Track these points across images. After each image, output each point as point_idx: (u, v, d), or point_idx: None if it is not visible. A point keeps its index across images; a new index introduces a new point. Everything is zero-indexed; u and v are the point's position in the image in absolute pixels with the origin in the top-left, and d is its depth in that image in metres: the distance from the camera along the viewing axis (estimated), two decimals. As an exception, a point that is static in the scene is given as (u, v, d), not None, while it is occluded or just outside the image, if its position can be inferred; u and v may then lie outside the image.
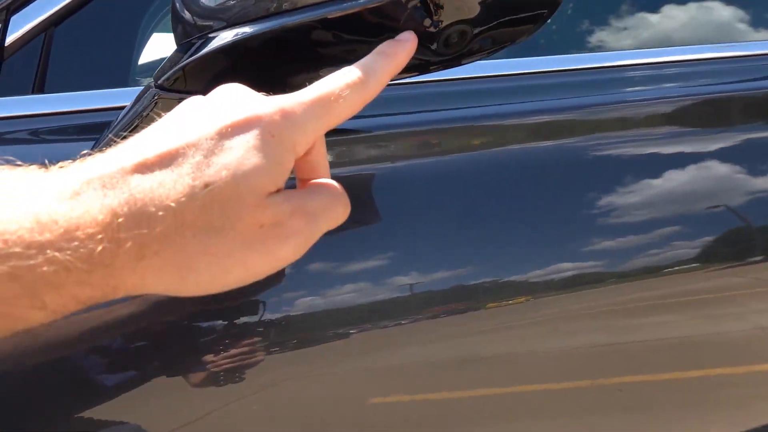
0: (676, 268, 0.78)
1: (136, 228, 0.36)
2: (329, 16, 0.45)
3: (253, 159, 0.38)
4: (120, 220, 0.36)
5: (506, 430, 0.75)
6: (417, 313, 0.69)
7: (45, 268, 0.35)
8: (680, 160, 0.80)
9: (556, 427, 0.77)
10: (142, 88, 0.61)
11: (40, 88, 0.69)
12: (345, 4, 0.45)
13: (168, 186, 0.37)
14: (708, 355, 0.82)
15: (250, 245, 0.38)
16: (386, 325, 0.68)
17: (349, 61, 0.49)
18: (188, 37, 0.56)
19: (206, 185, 0.37)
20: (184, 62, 0.55)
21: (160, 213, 0.36)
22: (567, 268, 0.73)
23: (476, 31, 0.45)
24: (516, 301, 0.72)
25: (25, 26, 0.69)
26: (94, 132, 0.67)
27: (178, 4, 0.57)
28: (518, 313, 0.72)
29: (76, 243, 0.35)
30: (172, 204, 0.36)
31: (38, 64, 0.69)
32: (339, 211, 0.43)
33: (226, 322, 0.63)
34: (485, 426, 0.73)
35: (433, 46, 0.45)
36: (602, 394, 0.78)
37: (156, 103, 0.57)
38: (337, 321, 0.67)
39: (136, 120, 0.59)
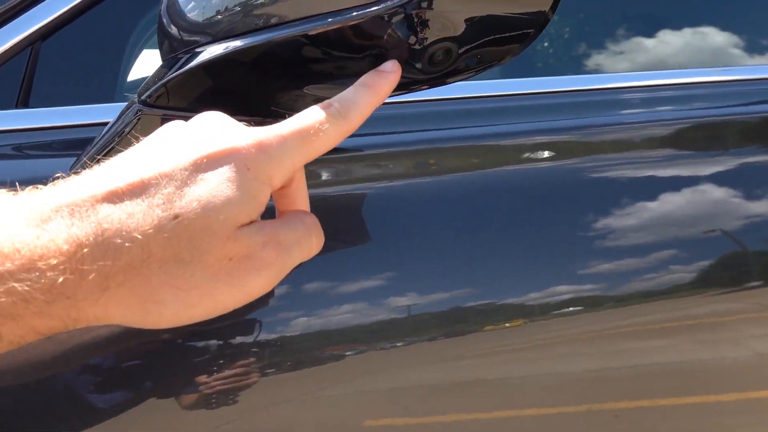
0: (673, 292, 0.77)
1: (101, 259, 0.35)
2: (310, 33, 0.44)
3: (227, 192, 0.38)
4: (85, 250, 0.35)
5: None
6: (413, 335, 0.69)
7: (3, 299, 0.34)
8: (677, 184, 0.79)
9: None
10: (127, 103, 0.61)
11: (24, 102, 0.68)
12: (328, 20, 0.44)
13: (137, 217, 0.36)
14: (705, 381, 0.81)
15: (219, 278, 0.38)
16: (383, 347, 0.68)
17: (337, 76, 0.48)
18: (174, 52, 0.55)
19: (176, 217, 0.37)
20: (168, 78, 0.54)
21: (127, 244, 0.36)
22: (563, 291, 0.73)
23: (462, 49, 0.45)
24: (513, 324, 0.71)
25: (11, 40, 0.68)
26: (78, 147, 0.66)
27: (165, 20, 0.56)
28: (515, 335, 0.71)
29: (36, 274, 0.34)
30: (139, 236, 0.36)
31: (23, 78, 0.68)
32: (312, 242, 0.42)
33: (220, 342, 0.62)
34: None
35: (418, 65, 0.44)
36: (598, 419, 0.77)
37: (138, 119, 0.57)
38: (333, 342, 0.66)
39: (116, 137, 0.58)
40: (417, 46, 0.43)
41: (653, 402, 0.79)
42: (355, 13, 0.43)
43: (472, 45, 0.44)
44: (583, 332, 0.74)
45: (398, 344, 0.68)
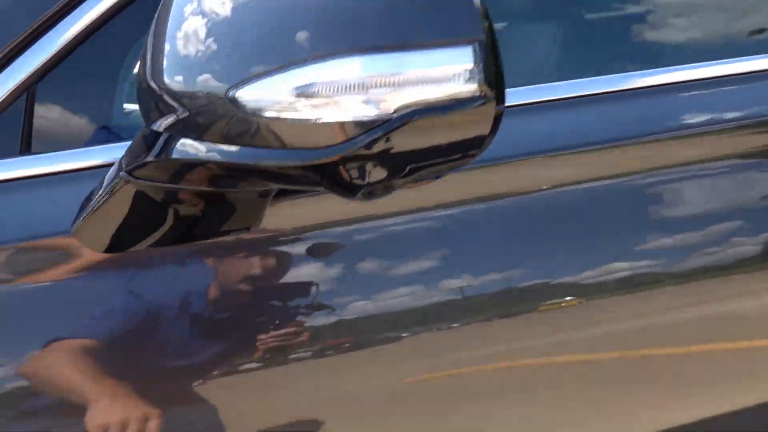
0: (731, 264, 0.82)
1: None
2: (283, 165, 0.47)
3: None
4: None
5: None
6: (469, 317, 0.73)
7: None
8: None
9: (594, 396, 0.81)
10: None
11: (27, 147, 0.71)
12: (293, 153, 0.47)
13: None
14: (742, 328, 0.85)
15: None
16: (439, 327, 0.72)
17: (302, 183, 0.52)
18: (152, 99, 0.57)
19: None
20: (145, 160, 0.58)
21: None
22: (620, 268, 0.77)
23: (401, 181, 0.47)
24: (568, 303, 0.76)
25: (8, 87, 0.70)
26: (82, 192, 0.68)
27: (148, 72, 0.57)
28: (570, 313, 0.76)
29: None
30: None
31: (23, 123, 0.70)
32: None
33: (279, 325, 0.68)
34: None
35: (358, 196, 0.47)
36: (632, 365, 0.81)
37: (114, 189, 0.60)
38: (389, 325, 0.71)
39: (101, 201, 0.62)
40: (360, 181, 0.46)
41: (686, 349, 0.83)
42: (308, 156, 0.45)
43: (416, 169, 0.46)
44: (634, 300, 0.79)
45: (454, 325, 0.72)
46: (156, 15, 0.58)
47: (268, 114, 0.45)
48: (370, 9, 0.43)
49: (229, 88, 0.47)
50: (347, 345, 0.70)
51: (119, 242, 0.65)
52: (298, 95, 0.44)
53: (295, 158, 0.46)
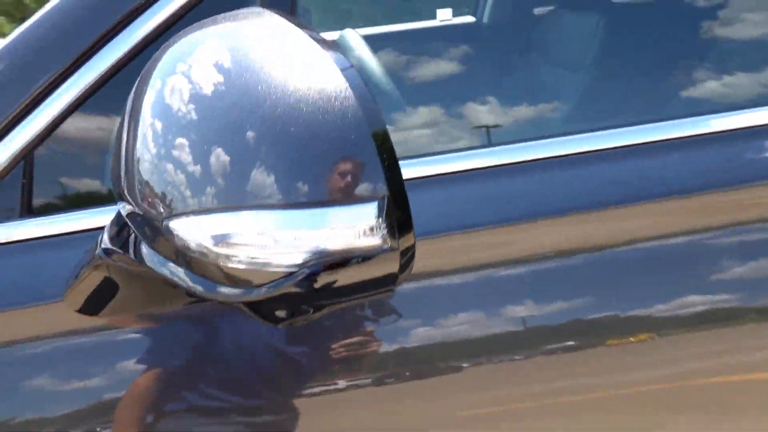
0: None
1: None
2: (210, 297, 0.51)
3: None
4: None
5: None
6: (532, 348, 0.73)
7: None
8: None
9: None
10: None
11: (28, 210, 0.76)
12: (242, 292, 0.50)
13: None
14: None
15: None
16: (501, 359, 0.73)
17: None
18: (119, 180, 0.60)
19: None
20: (116, 253, 0.62)
21: None
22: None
23: (317, 313, 0.50)
24: (638, 338, 0.75)
25: (8, 153, 0.75)
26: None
27: (120, 174, 0.60)
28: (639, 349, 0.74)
29: None
30: None
31: (23, 187, 0.75)
32: None
33: (345, 345, 0.71)
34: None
35: (280, 325, 0.50)
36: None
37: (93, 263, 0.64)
38: (452, 353, 0.72)
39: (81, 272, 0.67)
40: (282, 315, 0.49)
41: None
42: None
43: (326, 307, 0.49)
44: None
45: (516, 357, 0.72)
46: (127, 108, 0.61)
47: (191, 249, 0.49)
48: (284, 167, 0.45)
49: (165, 217, 0.50)
50: (407, 373, 0.71)
51: (102, 308, 0.71)
52: (216, 243, 0.47)
53: (222, 291, 0.49)
